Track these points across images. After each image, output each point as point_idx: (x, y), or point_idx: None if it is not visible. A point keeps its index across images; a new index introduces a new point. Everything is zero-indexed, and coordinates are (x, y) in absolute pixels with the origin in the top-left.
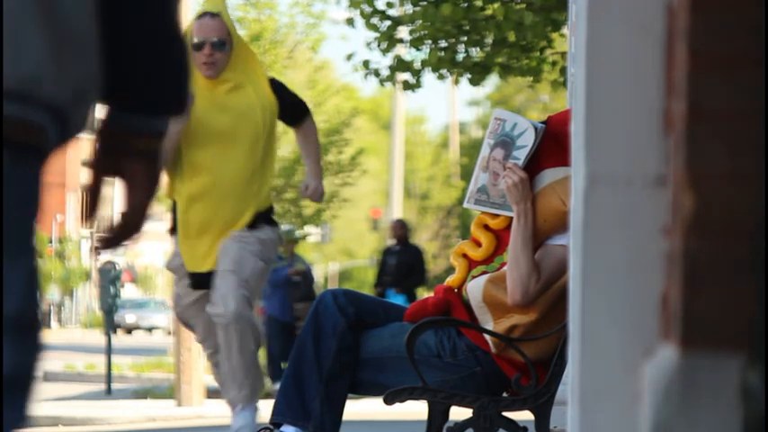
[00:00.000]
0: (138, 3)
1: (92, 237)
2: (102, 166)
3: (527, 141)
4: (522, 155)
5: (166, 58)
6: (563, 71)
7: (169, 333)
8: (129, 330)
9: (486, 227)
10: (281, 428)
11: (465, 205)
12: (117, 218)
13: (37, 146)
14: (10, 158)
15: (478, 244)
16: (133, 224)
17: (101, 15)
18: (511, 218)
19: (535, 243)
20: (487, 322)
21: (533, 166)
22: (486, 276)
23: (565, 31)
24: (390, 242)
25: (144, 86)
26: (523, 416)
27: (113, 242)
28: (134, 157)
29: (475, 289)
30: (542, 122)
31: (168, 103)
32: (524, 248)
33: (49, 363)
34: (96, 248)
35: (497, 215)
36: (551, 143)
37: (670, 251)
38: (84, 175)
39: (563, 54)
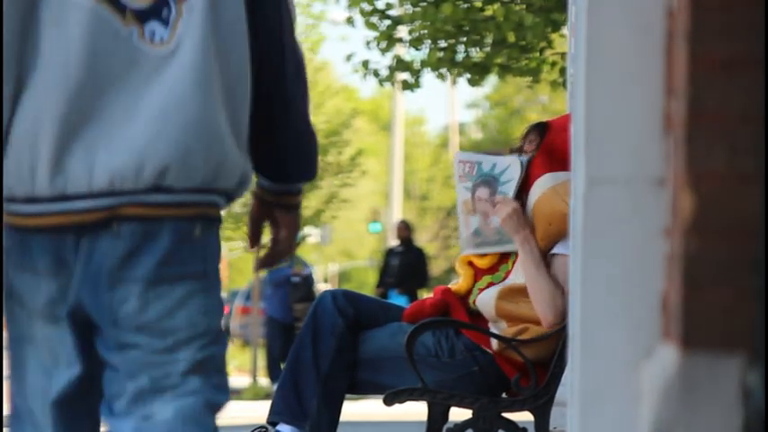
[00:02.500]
0: (284, 116)
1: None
2: (260, 214)
3: (513, 175)
4: (509, 189)
5: (303, 147)
6: (562, 72)
7: None
8: None
9: None
10: (278, 428)
11: (464, 253)
12: (271, 247)
13: (218, 218)
14: (203, 227)
15: None
16: (282, 253)
17: (258, 125)
18: None
19: (545, 248)
20: (502, 328)
21: (525, 183)
22: (494, 292)
23: (564, 31)
24: (393, 243)
25: (286, 166)
26: (523, 417)
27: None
28: (282, 209)
29: (486, 305)
30: (543, 124)
31: (303, 174)
32: (539, 272)
33: None
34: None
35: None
36: (545, 155)
37: (670, 251)
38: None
39: (562, 55)
